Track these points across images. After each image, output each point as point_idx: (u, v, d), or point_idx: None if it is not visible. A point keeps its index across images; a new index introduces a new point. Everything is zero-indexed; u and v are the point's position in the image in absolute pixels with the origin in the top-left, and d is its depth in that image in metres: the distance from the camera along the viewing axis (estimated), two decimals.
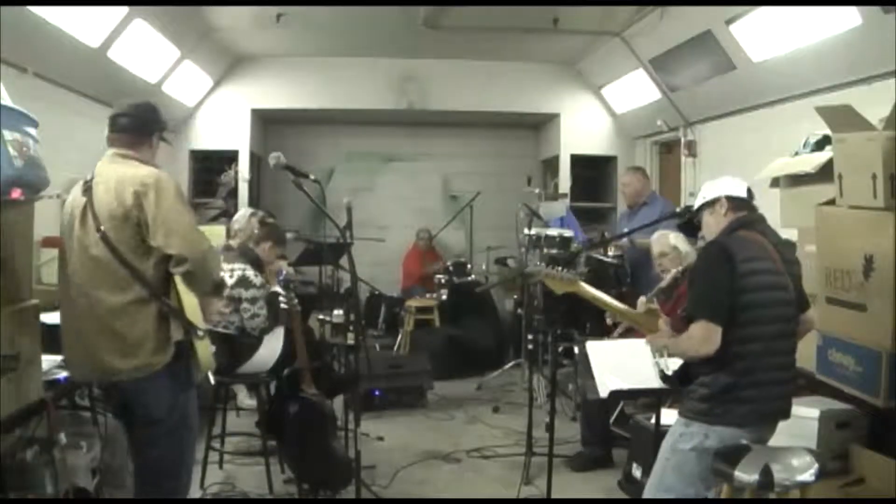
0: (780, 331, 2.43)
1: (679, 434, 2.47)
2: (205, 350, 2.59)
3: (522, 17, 5.68)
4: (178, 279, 2.52)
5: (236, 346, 3.75)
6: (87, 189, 2.56)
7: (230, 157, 6.89)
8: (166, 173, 2.60)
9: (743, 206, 2.59)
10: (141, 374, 2.51)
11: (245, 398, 5.11)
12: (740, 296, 2.36)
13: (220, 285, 2.79)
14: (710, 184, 2.70)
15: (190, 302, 2.53)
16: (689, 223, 2.79)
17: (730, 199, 2.59)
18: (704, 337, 2.34)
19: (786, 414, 2.50)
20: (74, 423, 3.19)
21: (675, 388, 2.67)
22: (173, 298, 2.53)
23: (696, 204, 2.70)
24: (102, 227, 2.48)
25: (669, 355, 2.59)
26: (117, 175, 2.53)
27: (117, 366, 2.50)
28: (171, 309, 2.51)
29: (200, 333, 2.56)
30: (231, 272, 3.75)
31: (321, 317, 5.52)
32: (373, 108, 7.44)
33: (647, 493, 2.55)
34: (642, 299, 3.29)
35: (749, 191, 2.62)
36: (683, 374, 2.55)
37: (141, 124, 2.68)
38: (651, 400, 3.54)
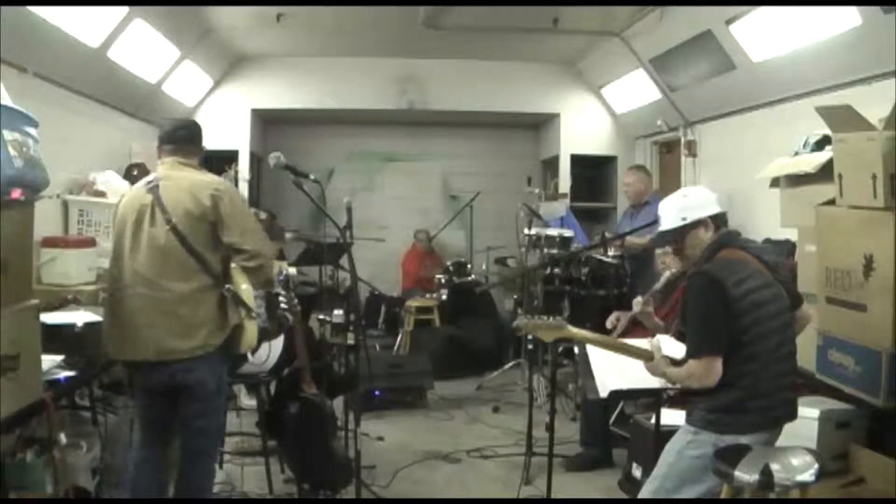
0: (780, 340, 2.43)
1: (687, 441, 2.46)
2: (253, 329, 2.91)
3: (522, 17, 5.67)
4: (236, 270, 2.86)
5: None
6: (153, 188, 2.83)
7: (230, 157, 6.88)
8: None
9: (720, 223, 2.56)
10: (198, 353, 2.78)
11: (245, 398, 5.11)
12: (739, 319, 2.35)
13: (271, 280, 3.24)
14: (688, 201, 2.61)
15: (246, 289, 2.87)
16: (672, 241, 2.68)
17: (713, 218, 2.55)
18: (704, 373, 2.34)
19: (792, 416, 2.50)
20: (74, 423, 3.20)
21: (677, 401, 2.65)
22: (234, 286, 2.85)
23: (674, 223, 2.58)
24: (173, 220, 2.75)
25: (670, 383, 2.57)
26: (189, 179, 2.87)
27: (177, 346, 2.76)
28: (234, 294, 2.82)
29: (254, 315, 2.89)
30: None
31: (321, 317, 5.52)
32: (373, 108, 7.44)
33: (645, 494, 2.54)
34: (638, 299, 3.28)
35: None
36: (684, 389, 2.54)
37: (196, 137, 3.08)
38: (651, 400, 3.53)
